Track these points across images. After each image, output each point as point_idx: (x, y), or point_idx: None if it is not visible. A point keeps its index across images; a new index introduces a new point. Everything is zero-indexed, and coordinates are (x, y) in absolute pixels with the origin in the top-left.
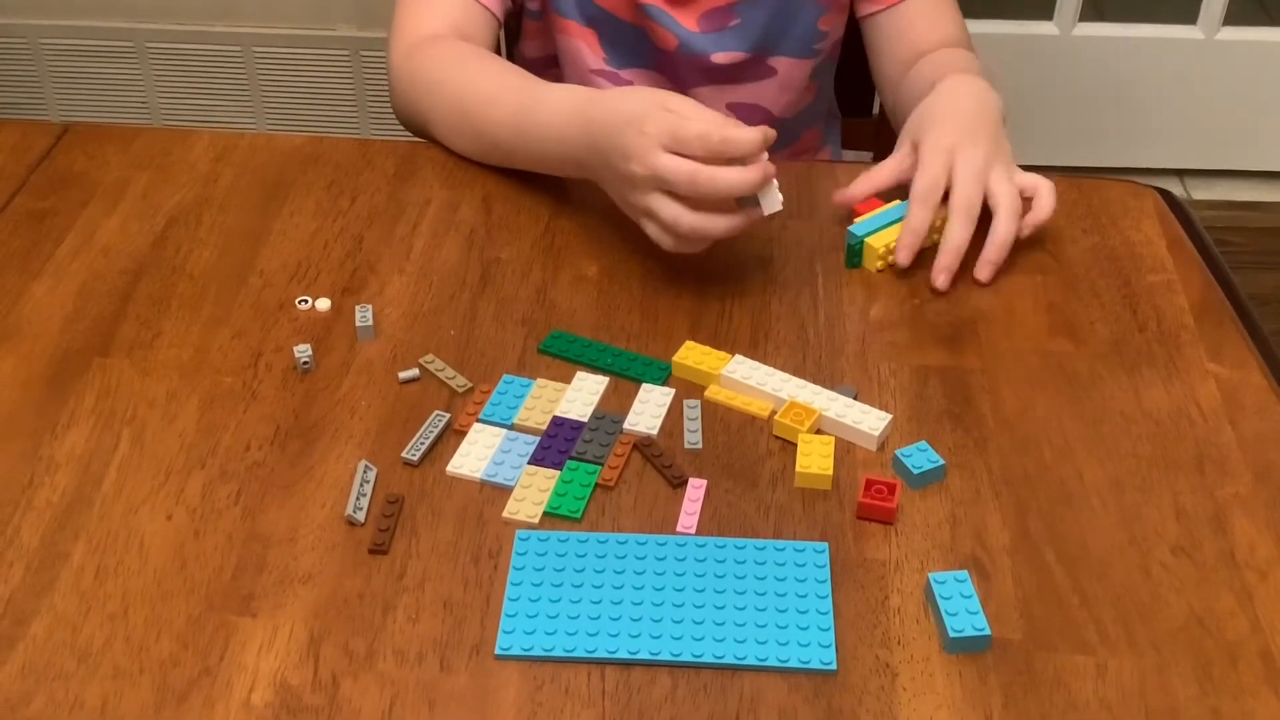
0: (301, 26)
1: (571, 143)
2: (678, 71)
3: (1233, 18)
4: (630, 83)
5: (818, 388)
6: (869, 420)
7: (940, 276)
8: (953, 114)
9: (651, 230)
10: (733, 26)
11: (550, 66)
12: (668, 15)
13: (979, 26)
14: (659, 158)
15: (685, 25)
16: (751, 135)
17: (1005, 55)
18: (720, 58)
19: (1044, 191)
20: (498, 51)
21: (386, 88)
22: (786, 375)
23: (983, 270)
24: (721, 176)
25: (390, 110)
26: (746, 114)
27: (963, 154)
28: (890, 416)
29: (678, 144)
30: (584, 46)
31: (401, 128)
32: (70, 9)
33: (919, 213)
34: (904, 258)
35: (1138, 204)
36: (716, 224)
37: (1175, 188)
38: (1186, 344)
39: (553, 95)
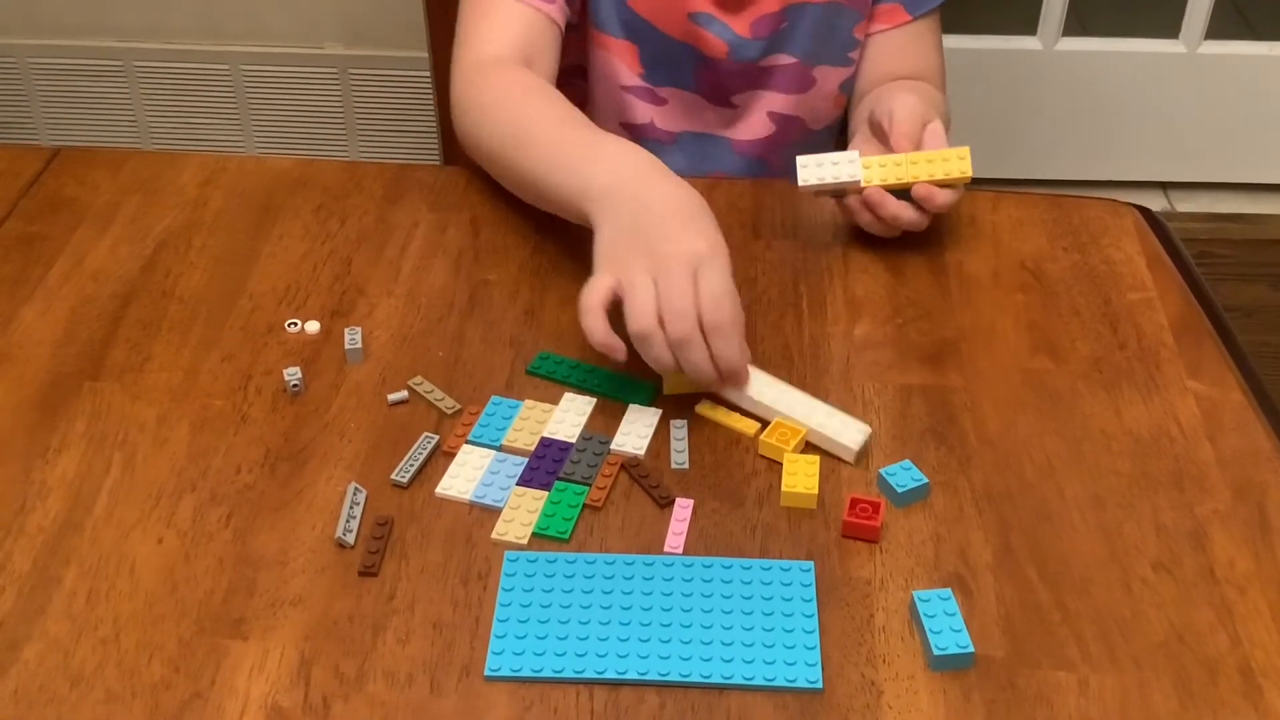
0: (289, 45)
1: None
2: (721, 82)
3: (1215, 32)
4: (665, 101)
5: (801, 394)
6: (848, 432)
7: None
8: (910, 88)
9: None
10: (784, 29)
11: (576, 78)
12: (719, 22)
13: (962, 41)
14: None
15: (738, 31)
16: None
17: (989, 70)
18: (770, 62)
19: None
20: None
21: (374, 105)
22: (771, 378)
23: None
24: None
25: (377, 127)
26: (785, 126)
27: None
28: (869, 428)
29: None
30: (619, 61)
31: (386, 147)
32: (58, 29)
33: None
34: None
35: (1117, 222)
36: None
37: (1159, 200)
38: (1166, 361)
39: (604, 150)
